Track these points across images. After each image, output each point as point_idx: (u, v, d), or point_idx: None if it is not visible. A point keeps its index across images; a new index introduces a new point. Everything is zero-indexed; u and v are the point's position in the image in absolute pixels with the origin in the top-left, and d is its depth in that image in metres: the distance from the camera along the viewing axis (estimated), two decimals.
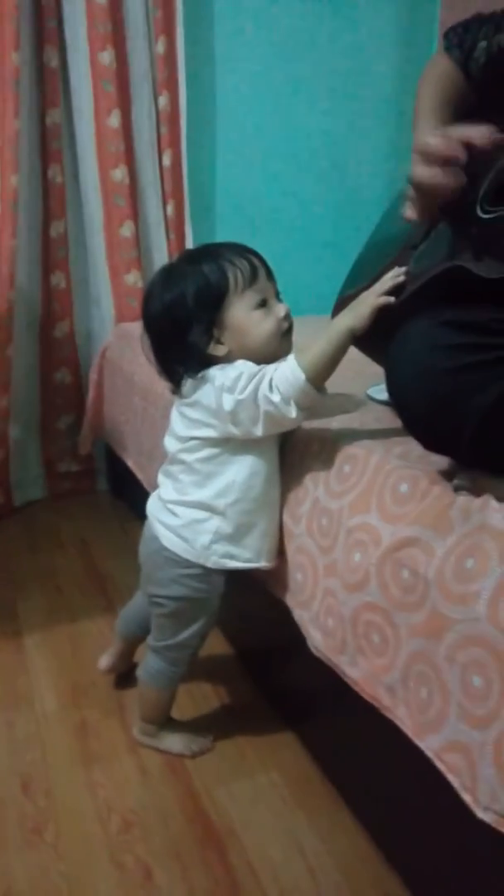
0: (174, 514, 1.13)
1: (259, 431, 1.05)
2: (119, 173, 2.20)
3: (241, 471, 1.09)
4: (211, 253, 1.08)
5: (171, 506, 1.14)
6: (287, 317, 1.09)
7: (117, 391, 2.09)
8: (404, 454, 0.97)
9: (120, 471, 2.20)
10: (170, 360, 1.10)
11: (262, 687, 1.42)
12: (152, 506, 1.19)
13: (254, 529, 1.11)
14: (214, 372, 1.06)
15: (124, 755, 1.25)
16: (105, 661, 1.41)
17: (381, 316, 0.96)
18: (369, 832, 1.08)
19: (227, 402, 1.03)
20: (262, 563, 1.13)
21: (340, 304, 1.12)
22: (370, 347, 1.07)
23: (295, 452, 1.14)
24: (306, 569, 1.05)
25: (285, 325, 1.09)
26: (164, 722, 1.27)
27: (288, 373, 1.01)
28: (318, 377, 1.01)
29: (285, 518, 1.13)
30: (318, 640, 1.02)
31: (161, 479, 1.19)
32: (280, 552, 1.14)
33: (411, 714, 0.83)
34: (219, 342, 1.07)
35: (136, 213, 2.28)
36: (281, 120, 2.50)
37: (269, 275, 1.10)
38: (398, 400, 0.90)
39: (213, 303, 1.05)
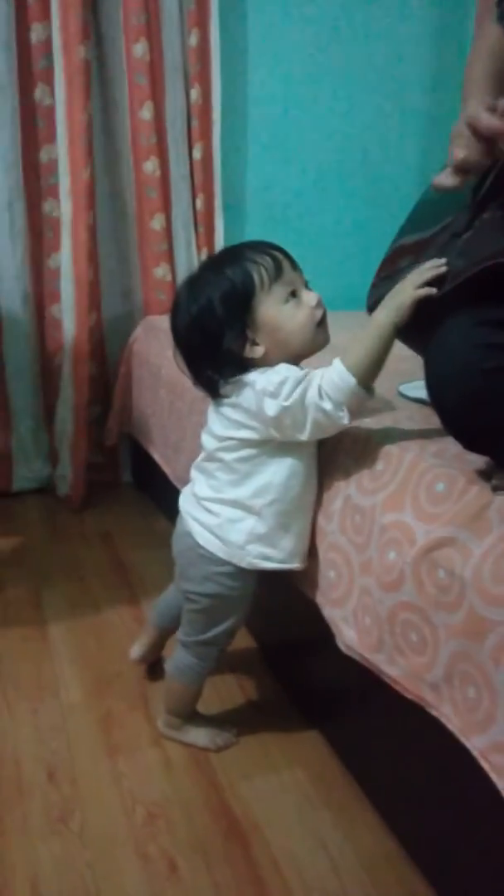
0: (209, 511, 1.12)
1: (304, 437, 1.03)
2: (150, 165, 2.20)
3: (280, 472, 1.07)
4: (231, 255, 1.07)
5: (205, 503, 1.13)
6: (319, 304, 1.06)
7: (144, 384, 2.10)
8: (439, 453, 0.96)
9: (144, 463, 2.21)
10: (205, 370, 1.08)
11: (285, 683, 1.42)
12: (185, 501, 1.18)
13: (289, 531, 1.10)
14: (255, 376, 1.04)
15: (148, 747, 1.26)
16: (136, 651, 1.41)
17: (421, 307, 0.94)
18: (393, 829, 1.08)
19: (271, 407, 1.01)
20: (295, 565, 1.13)
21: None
22: (410, 338, 1.04)
23: (327, 449, 1.13)
24: (340, 566, 1.05)
25: (318, 313, 1.06)
26: (190, 715, 1.27)
27: (336, 378, 0.99)
28: (367, 377, 0.99)
29: (317, 515, 1.12)
30: (351, 638, 1.01)
31: (195, 474, 1.18)
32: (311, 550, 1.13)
33: (458, 712, 0.82)
34: (254, 343, 1.05)
35: (167, 206, 2.28)
36: (313, 113, 2.48)
37: (294, 265, 1.07)
38: (436, 398, 0.88)
39: (241, 305, 1.03)
